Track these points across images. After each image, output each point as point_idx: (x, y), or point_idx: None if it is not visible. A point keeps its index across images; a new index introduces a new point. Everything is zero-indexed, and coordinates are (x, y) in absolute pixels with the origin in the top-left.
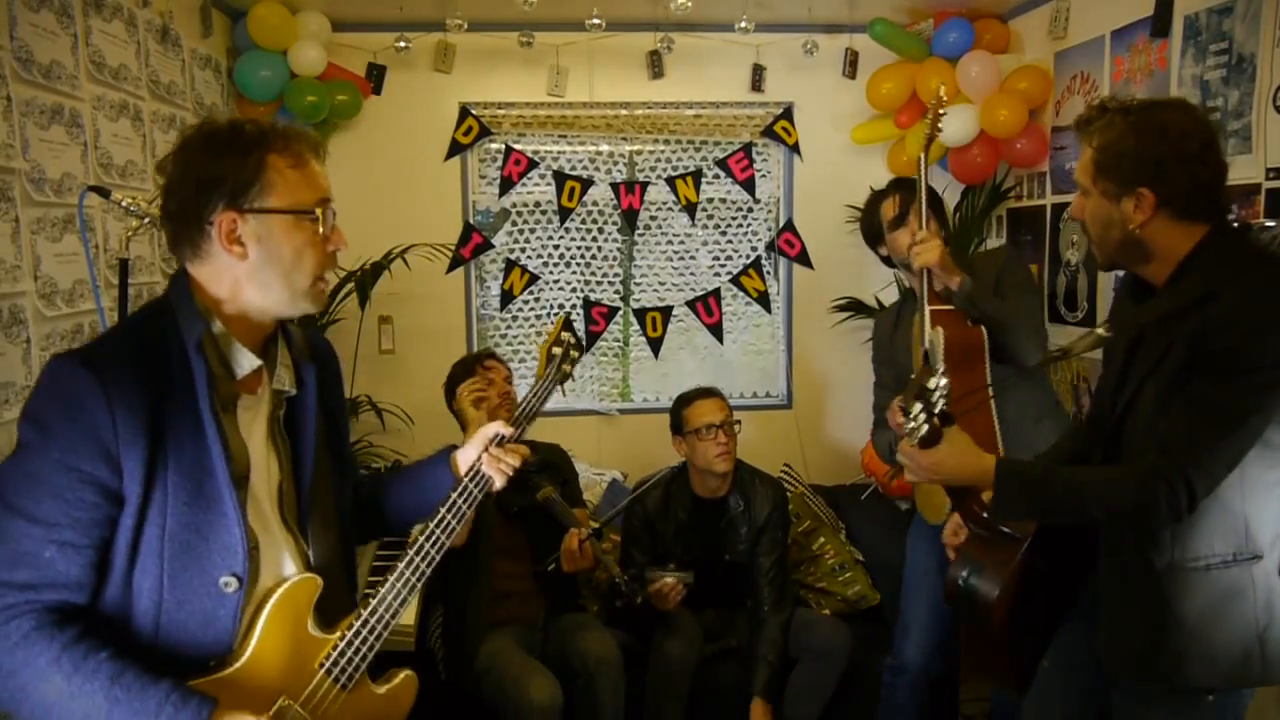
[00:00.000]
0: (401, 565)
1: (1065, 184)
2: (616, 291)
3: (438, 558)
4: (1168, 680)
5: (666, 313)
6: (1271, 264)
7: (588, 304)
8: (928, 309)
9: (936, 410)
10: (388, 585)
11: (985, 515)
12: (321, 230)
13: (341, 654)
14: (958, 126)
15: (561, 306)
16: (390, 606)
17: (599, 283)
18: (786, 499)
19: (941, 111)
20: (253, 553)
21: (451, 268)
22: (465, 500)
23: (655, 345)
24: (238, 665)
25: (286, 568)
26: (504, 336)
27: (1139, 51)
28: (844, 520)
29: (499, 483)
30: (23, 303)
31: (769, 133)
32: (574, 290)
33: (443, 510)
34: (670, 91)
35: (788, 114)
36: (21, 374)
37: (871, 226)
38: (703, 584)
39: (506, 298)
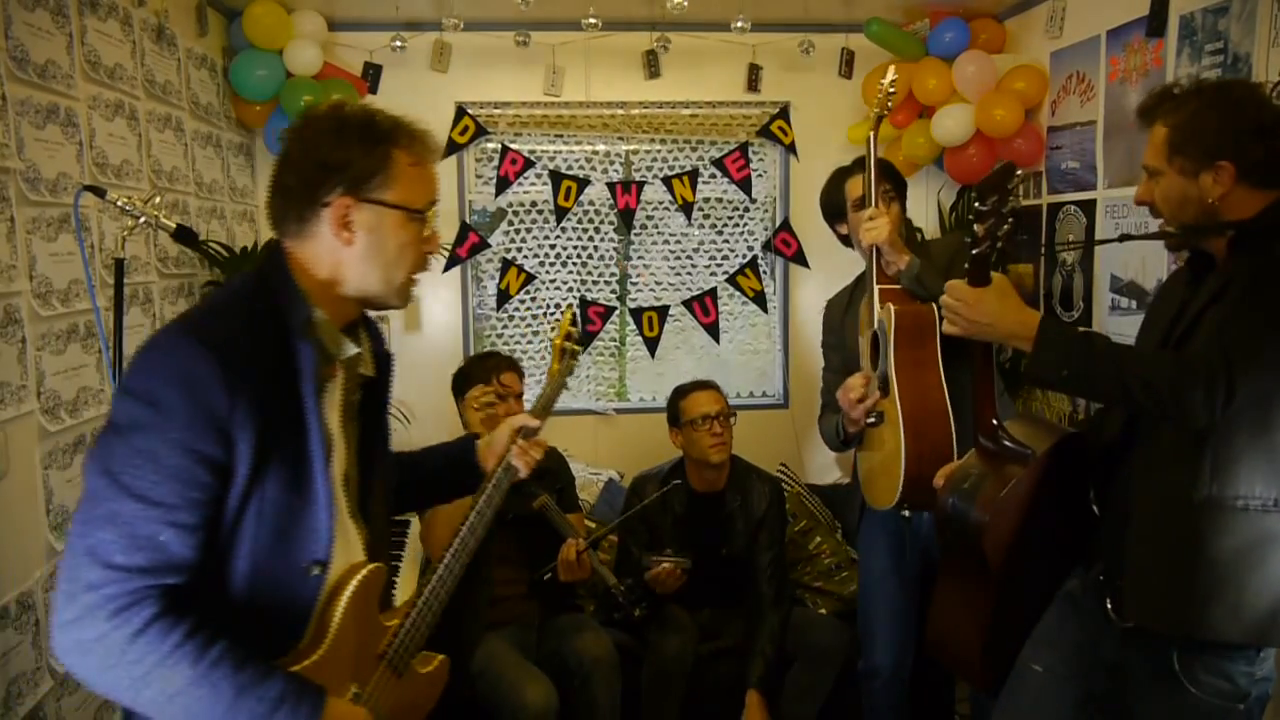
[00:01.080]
0: (448, 556)
1: (1061, 183)
2: (613, 291)
3: (476, 547)
4: (1190, 628)
5: (663, 312)
6: None
7: (584, 303)
8: (876, 288)
9: (1001, 236)
10: (437, 575)
11: (996, 424)
12: (425, 231)
13: (401, 642)
14: (954, 126)
15: (558, 306)
16: (439, 595)
17: (595, 282)
18: (783, 495)
19: (890, 90)
20: (332, 535)
21: (447, 267)
22: (497, 490)
23: (652, 345)
24: (318, 654)
25: (354, 554)
26: (500, 336)
27: (1134, 51)
28: (840, 520)
29: (524, 473)
30: (18, 302)
31: (765, 132)
32: (570, 290)
33: (480, 501)
34: (666, 91)
35: (784, 113)
36: (16, 374)
37: (833, 203)
38: (700, 581)
39: (503, 297)
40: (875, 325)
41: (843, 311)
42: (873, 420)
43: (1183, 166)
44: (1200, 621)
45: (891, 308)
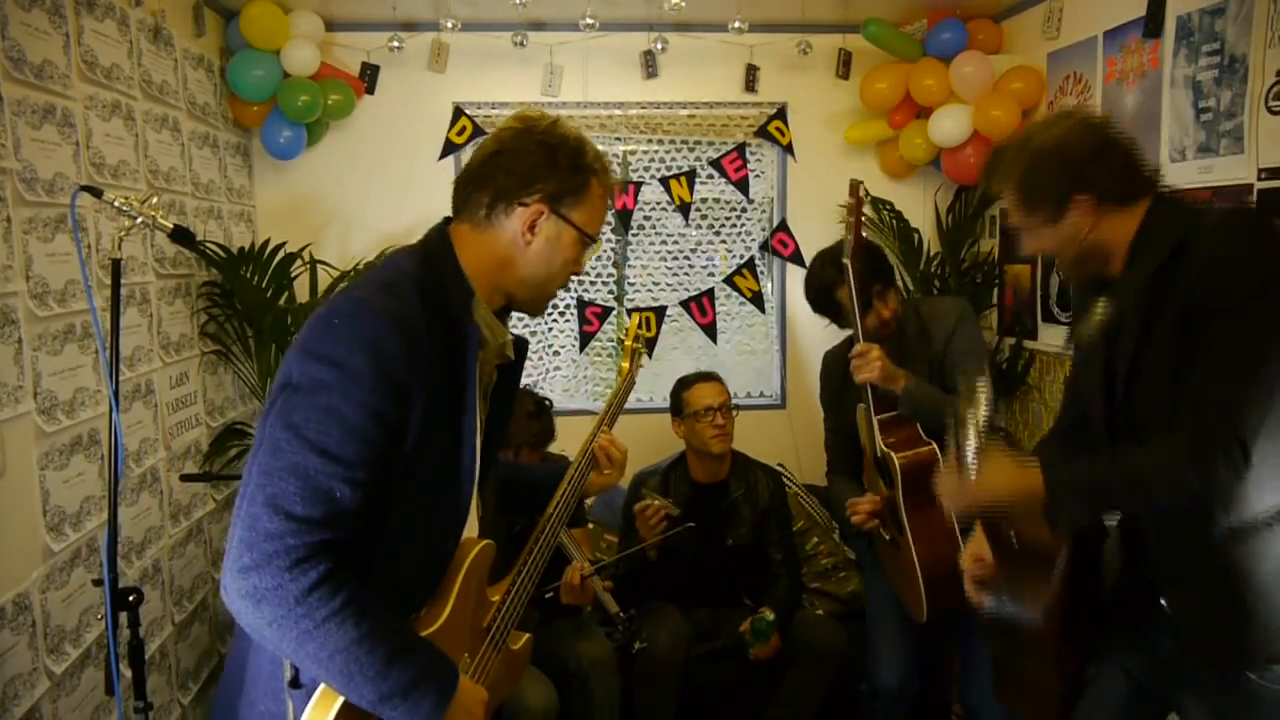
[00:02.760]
0: (536, 532)
1: None
2: (611, 292)
3: (561, 527)
4: (1251, 659)
5: (660, 313)
6: (1215, 209)
7: (581, 304)
8: (875, 420)
9: (983, 434)
10: (531, 554)
11: (1014, 537)
12: (586, 256)
13: (502, 616)
14: (951, 126)
15: (555, 306)
16: (532, 573)
17: (593, 283)
18: (785, 488)
19: (861, 210)
20: (469, 511)
21: None
22: (579, 476)
23: (649, 345)
24: (439, 624)
25: (471, 528)
26: None
27: (1131, 52)
28: (837, 521)
29: (603, 465)
30: (14, 303)
31: (763, 133)
32: (568, 290)
33: (564, 486)
34: (664, 91)
35: (781, 114)
36: (13, 374)
37: (822, 304)
38: (703, 574)
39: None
40: (878, 453)
41: (841, 374)
42: (888, 538)
43: (1044, 217)
44: (1263, 650)
45: (895, 459)
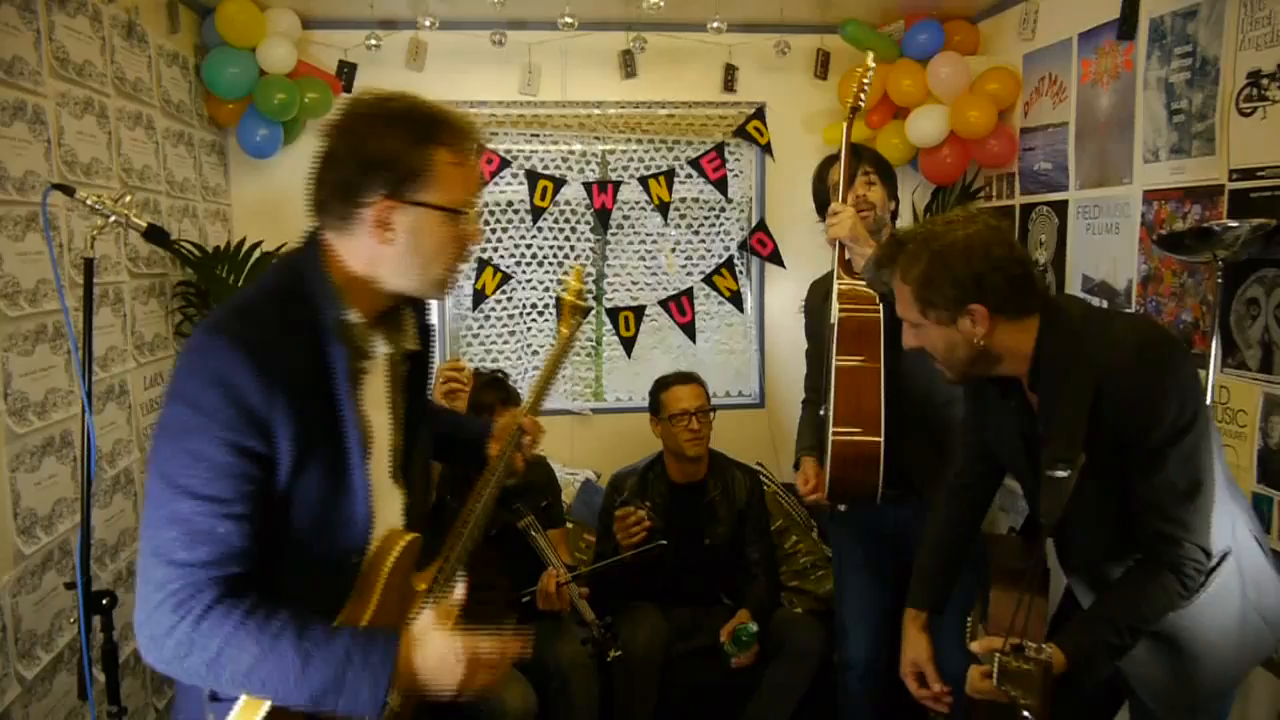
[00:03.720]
0: (464, 513)
1: (1034, 185)
2: (590, 291)
3: (485, 518)
4: (1224, 692)
5: (639, 312)
6: (1114, 328)
7: (560, 304)
8: (836, 285)
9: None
10: (459, 537)
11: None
12: (466, 227)
13: (429, 606)
14: (929, 127)
15: (534, 306)
16: (460, 556)
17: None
18: (763, 487)
19: (865, 81)
20: (370, 524)
21: None
22: (504, 466)
23: (628, 345)
24: (364, 622)
25: (393, 517)
26: (476, 336)
27: (1105, 54)
28: (816, 519)
29: (528, 453)
30: None
31: (741, 133)
32: (547, 290)
33: (489, 475)
34: (643, 91)
35: (760, 114)
36: None
37: (818, 192)
38: (681, 575)
39: (479, 297)
40: (833, 319)
41: (822, 299)
42: (821, 412)
43: (938, 318)
44: (1215, 688)
45: (836, 308)
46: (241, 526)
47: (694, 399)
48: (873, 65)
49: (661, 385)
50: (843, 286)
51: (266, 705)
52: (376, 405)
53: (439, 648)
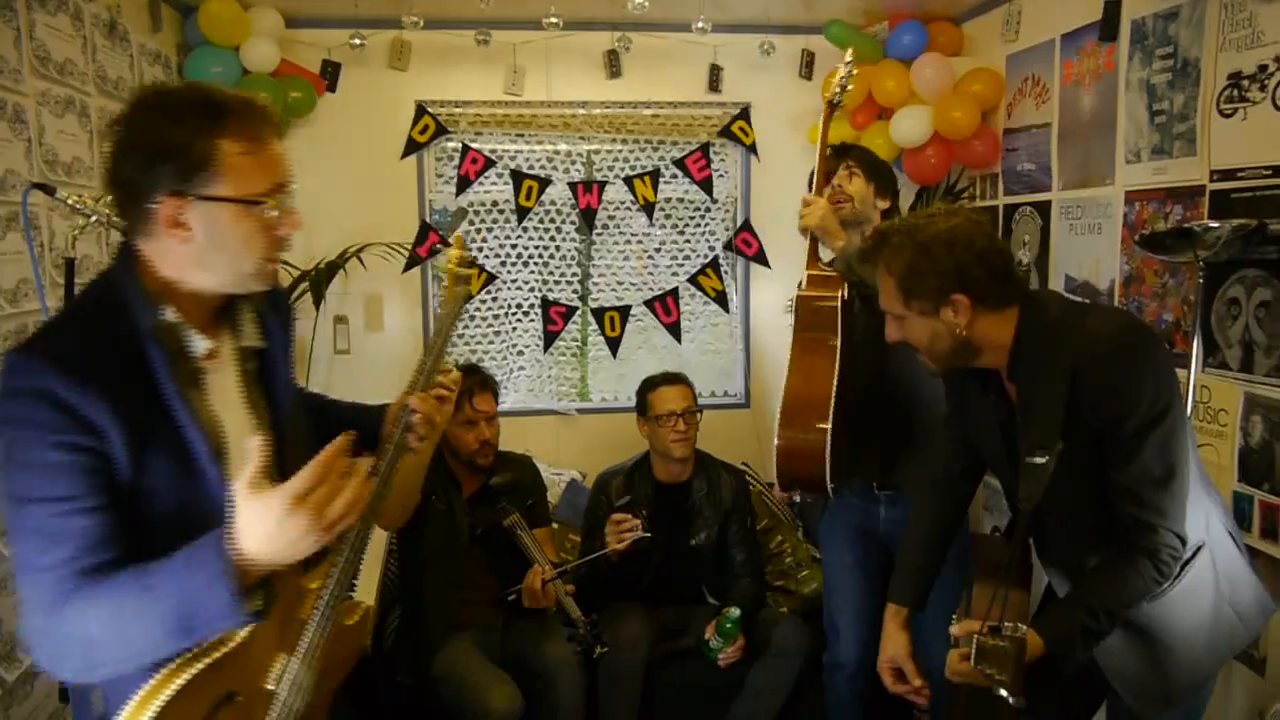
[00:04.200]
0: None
1: (1017, 185)
2: (575, 291)
3: (378, 503)
4: (1197, 688)
5: (625, 312)
6: (1090, 319)
7: (545, 303)
8: (806, 273)
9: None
10: (350, 530)
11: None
12: (272, 216)
13: (325, 602)
14: (912, 127)
15: (519, 306)
16: (354, 548)
17: (557, 282)
18: (749, 487)
19: (843, 75)
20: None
21: (408, 267)
22: (396, 449)
23: (614, 345)
24: (242, 637)
25: None
26: (460, 336)
27: (1088, 55)
28: (801, 519)
29: (421, 430)
30: None
31: (726, 133)
32: (532, 290)
33: (379, 463)
34: (628, 91)
35: (745, 114)
36: None
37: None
38: (666, 575)
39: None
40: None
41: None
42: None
43: (921, 308)
44: (1189, 682)
45: (796, 293)
46: (99, 517)
47: (681, 400)
48: (850, 59)
49: (649, 386)
50: (810, 273)
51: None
52: (228, 404)
53: (258, 512)
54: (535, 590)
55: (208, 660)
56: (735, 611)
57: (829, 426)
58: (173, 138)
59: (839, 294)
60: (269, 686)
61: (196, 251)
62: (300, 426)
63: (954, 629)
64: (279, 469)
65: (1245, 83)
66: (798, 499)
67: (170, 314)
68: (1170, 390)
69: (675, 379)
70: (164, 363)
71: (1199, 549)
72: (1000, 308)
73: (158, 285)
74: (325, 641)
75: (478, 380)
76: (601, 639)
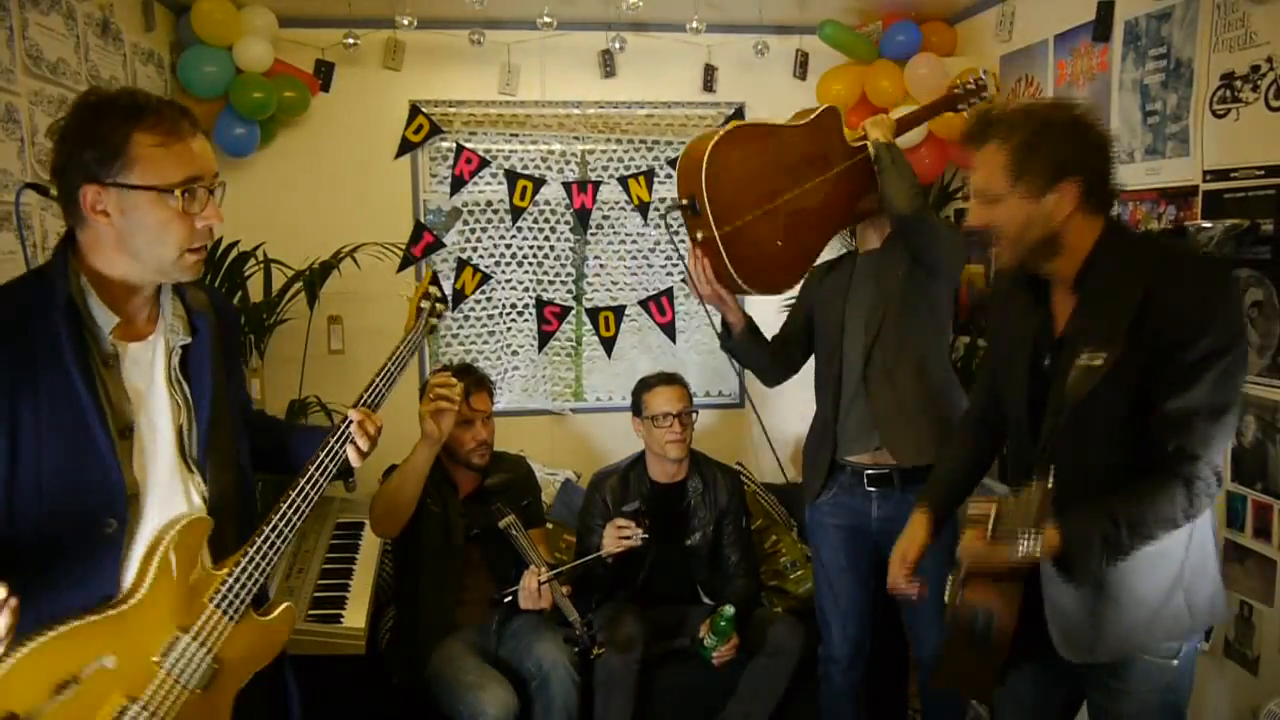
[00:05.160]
0: (285, 507)
1: None
2: (570, 291)
3: (308, 506)
4: (1121, 653)
5: (619, 312)
6: (1172, 246)
7: (540, 303)
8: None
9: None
10: (271, 525)
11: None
12: (187, 208)
13: (229, 588)
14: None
15: (514, 306)
16: (273, 544)
17: (551, 282)
18: (743, 489)
19: (974, 87)
20: (133, 498)
21: (402, 267)
22: (330, 457)
23: (608, 345)
24: (133, 602)
25: (185, 505)
26: (455, 336)
27: (1081, 55)
28: (796, 518)
29: (362, 445)
30: None
31: None
32: (526, 290)
33: (311, 467)
34: (622, 91)
35: (739, 114)
36: None
37: None
38: (660, 575)
39: (458, 297)
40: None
41: (825, 271)
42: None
43: (1027, 189)
44: (1127, 644)
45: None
46: None
47: (676, 402)
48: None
49: (644, 386)
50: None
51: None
52: (151, 389)
53: None
54: (532, 591)
55: (93, 618)
56: (729, 609)
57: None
58: (94, 130)
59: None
60: (154, 658)
61: (118, 237)
62: (228, 417)
63: (971, 509)
64: (198, 450)
65: (1238, 83)
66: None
67: (83, 287)
68: (1240, 327)
69: (670, 379)
70: (69, 335)
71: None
72: (1096, 211)
73: (91, 274)
74: (230, 629)
75: (474, 380)
76: (598, 640)
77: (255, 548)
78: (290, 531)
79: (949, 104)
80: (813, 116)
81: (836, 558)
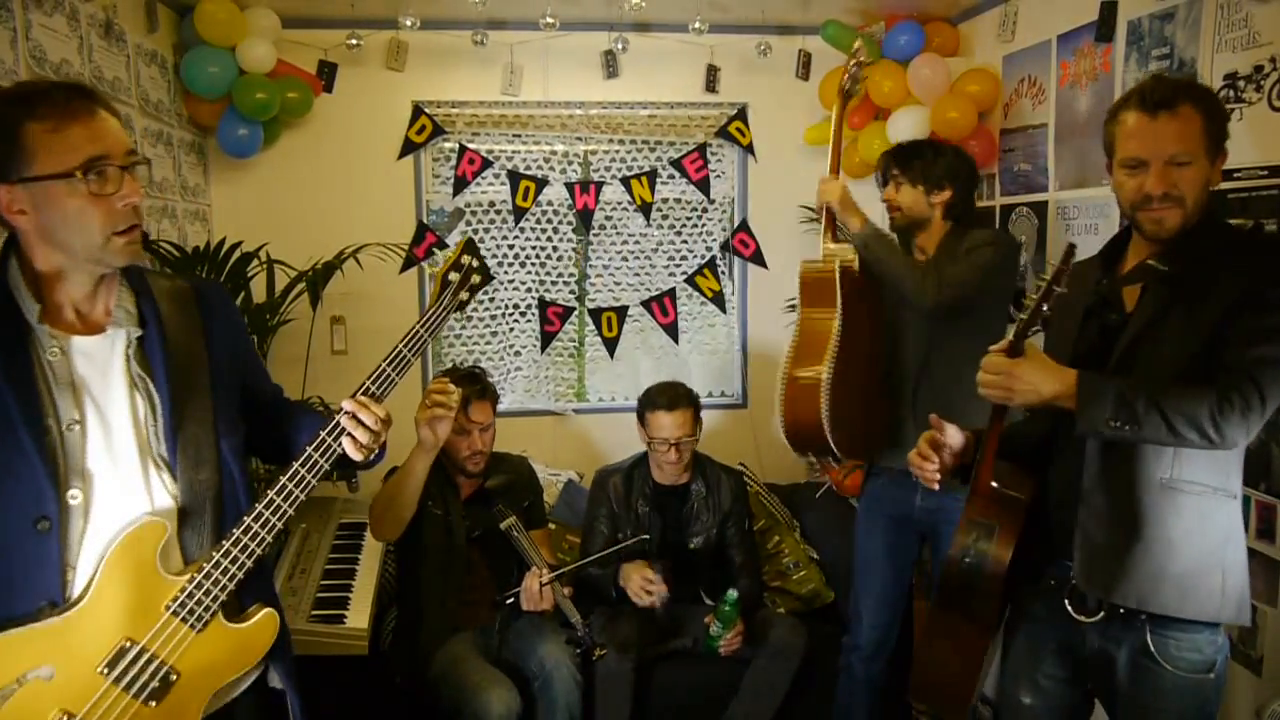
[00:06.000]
0: (261, 507)
1: (1014, 185)
2: (572, 292)
3: (291, 506)
4: (1142, 601)
5: (622, 313)
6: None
7: (543, 304)
8: (822, 246)
9: (1048, 314)
10: (243, 527)
11: (995, 485)
12: (97, 189)
13: (190, 595)
14: (909, 128)
15: (516, 307)
16: (246, 547)
17: (554, 283)
18: (746, 491)
19: (854, 64)
20: (72, 497)
21: (405, 268)
22: (321, 453)
23: (611, 345)
24: (77, 609)
25: (146, 504)
26: (458, 337)
27: (1084, 55)
28: (799, 519)
29: (360, 437)
30: None
31: (723, 133)
32: (529, 290)
33: (296, 464)
34: (625, 91)
35: (742, 115)
36: None
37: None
38: (664, 576)
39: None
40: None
41: None
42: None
43: (1209, 153)
44: (1153, 593)
45: (802, 262)
46: None
47: (678, 428)
48: (858, 46)
49: (649, 402)
50: (828, 248)
51: None
52: (101, 382)
53: None
54: (534, 592)
55: (35, 626)
56: (732, 593)
57: (823, 374)
58: None
59: (852, 264)
60: (98, 669)
61: (41, 231)
62: (205, 411)
63: (993, 350)
64: (165, 446)
65: (1241, 83)
66: (813, 460)
67: (22, 291)
68: None
69: (675, 403)
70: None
71: (1232, 496)
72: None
73: (32, 274)
74: (190, 638)
75: (476, 390)
76: (599, 641)
77: (223, 551)
78: (267, 534)
79: (845, 98)
80: (821, 292)
81: (876, 544)
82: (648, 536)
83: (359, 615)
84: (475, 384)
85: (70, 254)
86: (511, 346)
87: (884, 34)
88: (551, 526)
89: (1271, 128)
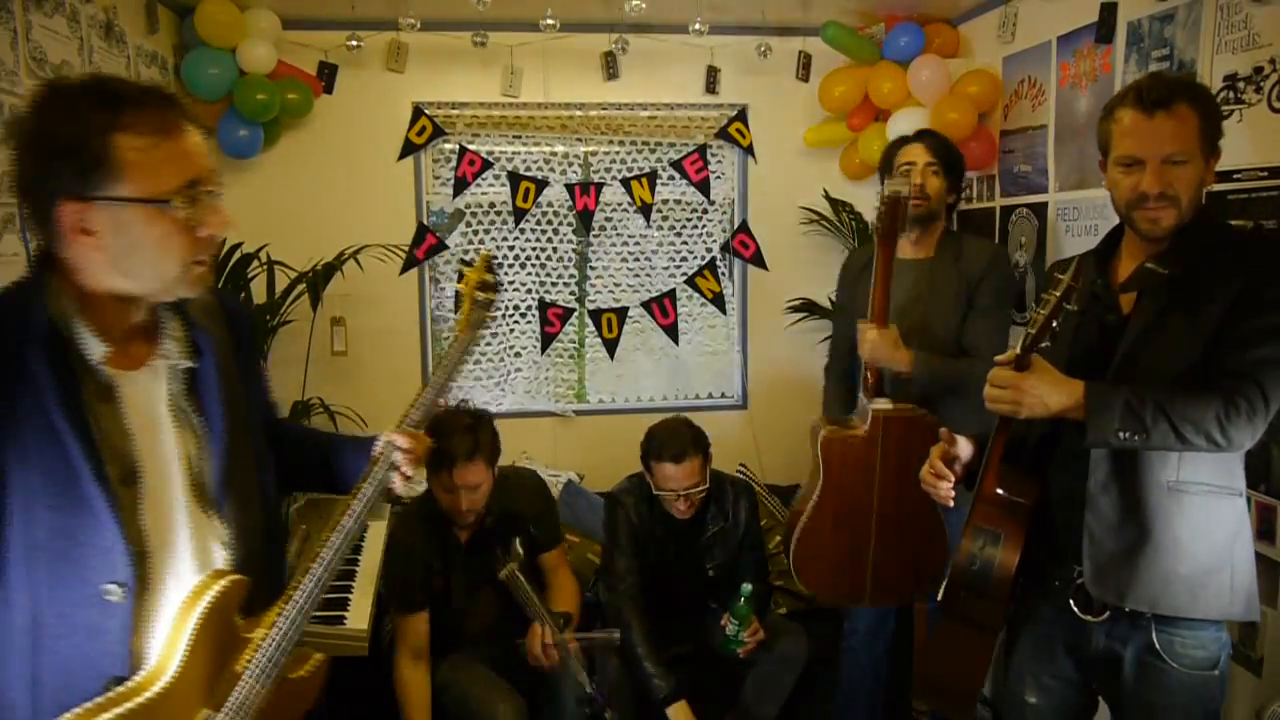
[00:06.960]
0: (325, 552)
1: (1014, 187)
2: (572, 293)
3: (348, 545)
4: (1154, 604)
5: (622, 314)
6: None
7: (543, 305)
8: (870, 407)
9: (1056, 328)
10: (311, 574)
11: (1000, 491)
12: (188, 217)
13: (263, 653)
14: (909, 129)
15: (517, 308)
16: (312, 595)
17: (554, 284)
18: (757, 505)
19: (883, 204)
20: (142, 558)
21: (405, 269)
22: (374, 488)
23: (611, 346)
24: (159, 687)
25: (205, 557)
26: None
27: (1084, 57)
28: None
29: (408, 470)
30: None
31: (723, 134)
32: (529, 291)
33: (355, 503)
34: (625, 93)
35: (742, 116)
36: None
37: (886, 161)
38: (675, 598)
39: (460, 299)
40: (866, 424)
41: (860, 268)
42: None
43: (1204, 152)
44: (1163, 594)
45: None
46: None
47: (686, 479)
48: (891, 192)
49: (654, 452)
50: (879, 409)
51: None
52: (151, 422)
53: None
54: (535, 654)
55: (116, 710)
56: (747, 586)
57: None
58: (67, 134)
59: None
60: None
61: (111, 258)
62: (248, 446)
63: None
64: (216, 490)
65: (1241, 84)
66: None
67: (76, 323)
68: None
69: (682, 455)
70: (47, 373)
71: (1238, 495)
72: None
73: (75, 293)
74: (263, 698)
75: (466, 449)
76: (612, 707)
77: (293, 603)
78: (328, 576)
79: (884, 238)
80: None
81: None
82: (618, 635)
83: (359, 616)
84: (468, 438)
85: (137, 282)
86: (511, 347)
87: (884, 35)
88: (567, 540)
89: (1271, 129)
